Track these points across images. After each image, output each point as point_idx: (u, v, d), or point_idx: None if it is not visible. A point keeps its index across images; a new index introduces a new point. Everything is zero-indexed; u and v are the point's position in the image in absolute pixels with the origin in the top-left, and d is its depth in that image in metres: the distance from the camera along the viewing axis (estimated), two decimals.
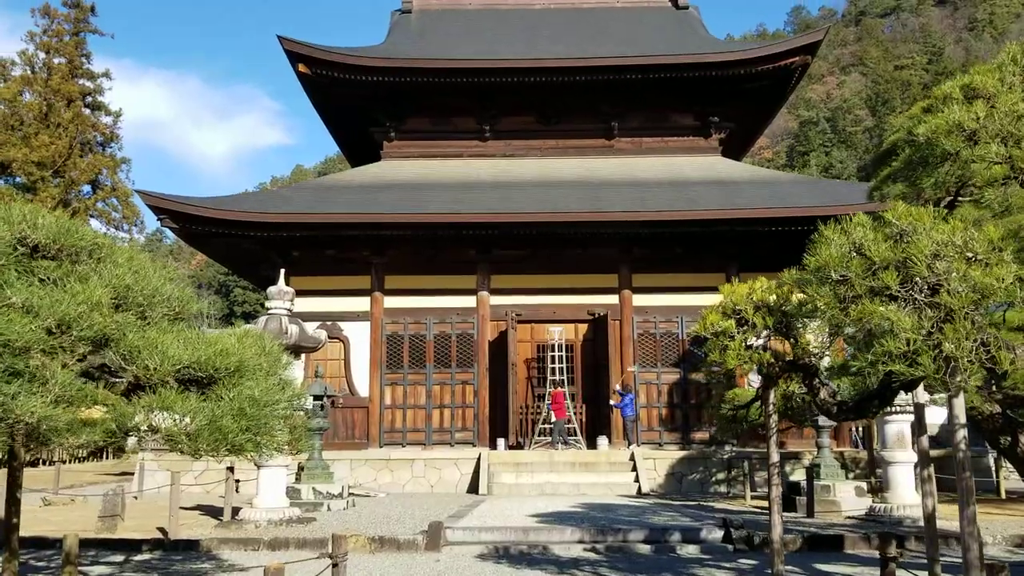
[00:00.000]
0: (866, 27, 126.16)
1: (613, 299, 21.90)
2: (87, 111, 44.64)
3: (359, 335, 21.92)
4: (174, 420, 5.00)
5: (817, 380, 6.07)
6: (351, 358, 21.80)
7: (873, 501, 12.63)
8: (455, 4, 28.95)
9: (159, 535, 10.22)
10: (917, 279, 5.13)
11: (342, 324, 21.97)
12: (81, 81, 44.19)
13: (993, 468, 17.39)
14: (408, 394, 21.70)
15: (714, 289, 21.51)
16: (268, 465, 10.87)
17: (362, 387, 21.69)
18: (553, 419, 20.49)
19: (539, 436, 20.89)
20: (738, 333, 6.07)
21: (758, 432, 19.28)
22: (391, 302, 22.06)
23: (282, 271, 11.71)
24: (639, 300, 21.91)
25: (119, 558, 9.06)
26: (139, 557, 9.23)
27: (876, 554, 9.56)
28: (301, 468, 14.15)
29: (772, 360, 6.05)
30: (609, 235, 21.09)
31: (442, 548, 9.77)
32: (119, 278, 5.51)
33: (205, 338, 5.63)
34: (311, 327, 21.89)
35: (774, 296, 6.06)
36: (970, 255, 4.98)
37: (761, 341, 6.13)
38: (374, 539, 9.78)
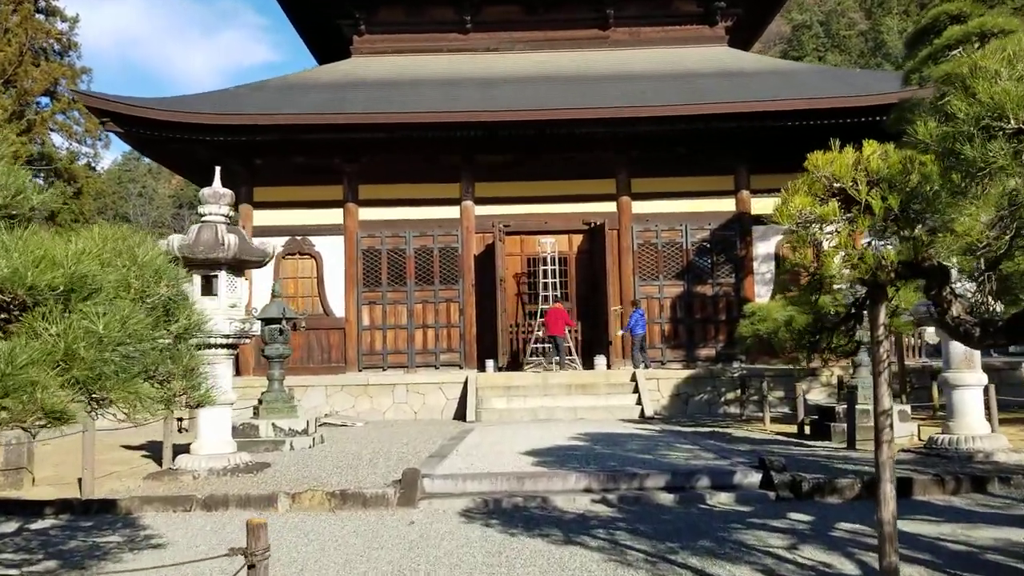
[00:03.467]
0: None
1: (611, 206, 19.86)
2: (40, 16, 41.54)
3: (333, 251, 19.90)
4: None
5: (948, 290, 4.17)
6: (324, 276, 19.85)
7: (919, 426, 10.99)
8: None
9: (77, 492, 8.43)
10: None
11: (313, 239, 19.94)
12: None
13: None
14: (388, 314, 19.83)
15: (721, 193, 19.63)
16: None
17: (337, 307, 19.80)
18: (545, 336, 18.73)
19: (531, 356, 19.16)
20: (843, 222, 4.08)
21: (771, 346, 17.63)
22: (367, 214, 19.97)
23: (217, 169, 9.65)
24: (639, 207, 19.88)
25: (11, 527, 7.26)
26: (38, 524, 7.43)
27: (953, 500, 7.90)
28: (260, 401, 12.34)
29: (888, 262, 4.09)
30: (607, 135, 18.91)
31: (419, 502, 8.00)
32: None
33: (22, 244, 3.62)
34: (278, 242, 20.02)
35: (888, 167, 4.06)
36: None
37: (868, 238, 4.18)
38: (334, 494, 7.98)
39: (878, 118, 16.29)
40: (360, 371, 19.44)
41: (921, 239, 4.18)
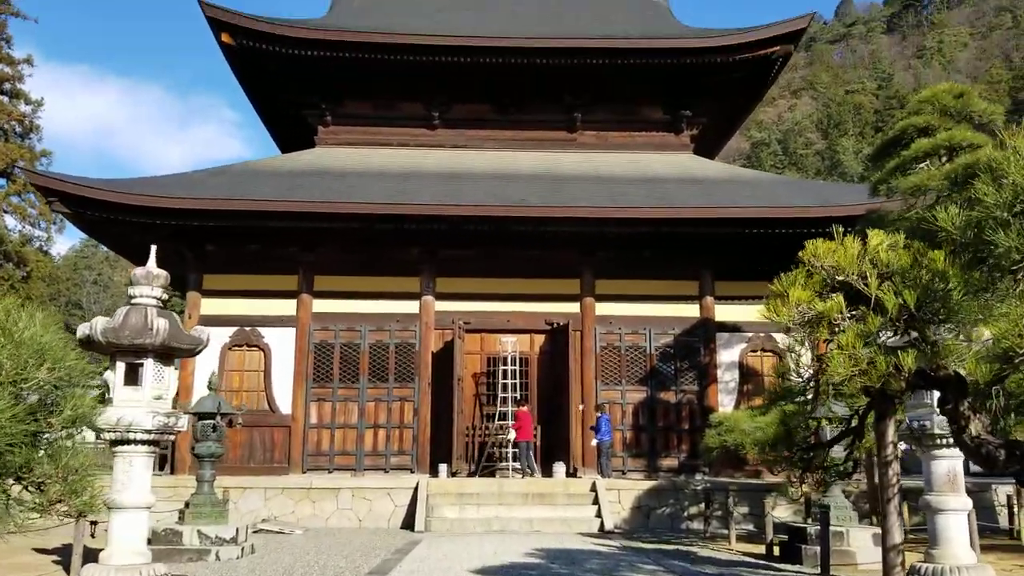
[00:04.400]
0: (816, 53, 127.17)
1: (574, 307, 19.39)
2: (3, 98, 41.23)
3: (283, 343, 19.02)
4: None
5: (966, 405, 3.59)
6: (272, 369, 18.90)
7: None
8: None
9: None
10: None
11: (263, 330, 19.08)
12: None
13: (1007, 505, 15.24)
14: (338, 412, 18.87)
15: (686, 298, 19.25)
16: (121, 507, 8.07)
17: (284, 403, 18.80)
18: (512, 439, 17.82)
19: (487, 461, 18.22)
20: (850, 321, 3.49)
21: (738, 456, 16.90)
22: (321, 306, 19.23)
23: (153, 248, 8.94)
24: (603, 309, 19.44)
25: None
26: None
27: None
28: (187, 504, 11.28)
29: (906, 370, 3.49)
30: (572, 235, 18.61)
31: None
32: None
33: None
34: (226, 333, 19.16)
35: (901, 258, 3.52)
36: None
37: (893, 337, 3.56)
38: None
39: (845, 229, 16.23)
40: (304, 473, 18.32)
41: (938, 344, 3.61)
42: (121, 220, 17.76)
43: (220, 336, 18.93)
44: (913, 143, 14.06)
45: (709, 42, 20.67)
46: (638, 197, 18.65)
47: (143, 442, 8.15)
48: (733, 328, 19.53)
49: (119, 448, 8.16)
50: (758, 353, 19.57)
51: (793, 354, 3.83)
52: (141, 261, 21.74)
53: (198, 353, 8.70)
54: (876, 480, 8.50)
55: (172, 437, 8.79)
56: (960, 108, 14.20)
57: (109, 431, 8.05)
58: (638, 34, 21.72)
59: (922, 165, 14.06)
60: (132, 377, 8.31)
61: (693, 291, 19.65)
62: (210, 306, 19.07)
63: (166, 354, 8.32)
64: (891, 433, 3.83)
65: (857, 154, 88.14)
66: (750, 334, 19.51)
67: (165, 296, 8.46)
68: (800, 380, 3.86)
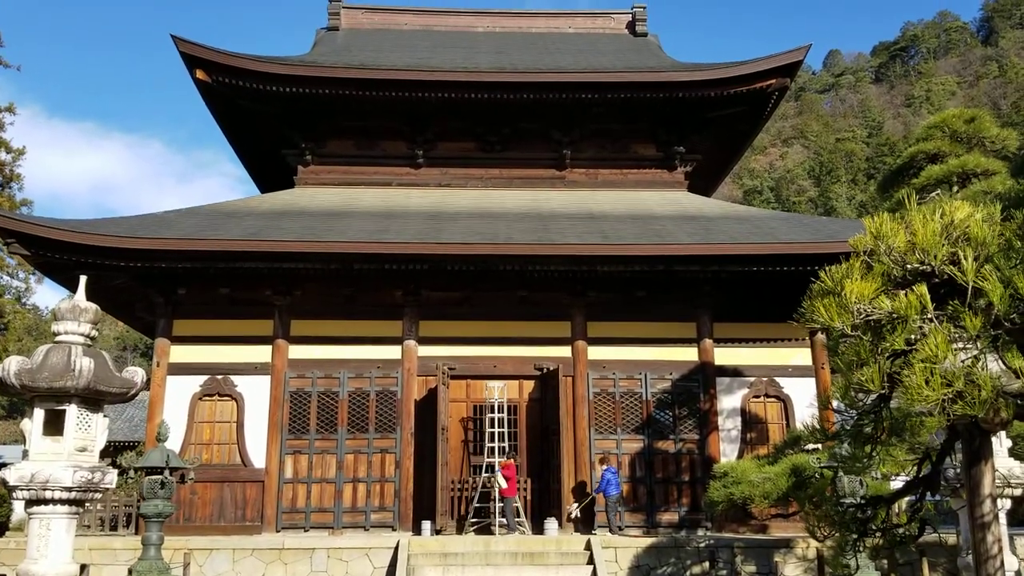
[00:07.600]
0: (806, 102, 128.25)
1: (565, 351, 18.33)
2: None
3: (256, 392, 17.89)
4: None
5: None
6: (245, 420, 17.73)
7: None
8: (388, 23, 25.78)
9: None
10: None
11: (236, 378, 17.96)
12: None
13: None
14: (315, 465, 17.66)
15: (683, 341, 18.09)
16: None
17: (257, 457, 17.60)
18: (505, 485, 16.57)
19: (473, 518, 16.98)
20: (940, 321, 2.46)
21: (743, 510, 15.75)
22: (297, 352, 18.15)
23: (83, 278, 7.90)
24: (595, 353, 18.37)
25: None
26: None
27: None
28: (130, 572, 10.08)
29: (1000, 392, 2.45)
30: (561, 274, 17.64)
31: None
32: None
33: None
34: (196, 381, 18.03)
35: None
36: None
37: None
38: None
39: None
40: (278, 531, 17.06)
41: None
42: (85, 263, 16.71)
43: (190, 385, 17.90)
44: (923, 170, 13.23)
45: (702, 75, 19.98)
46: (631, 234, 17.71)
47: (63, 501, 7.04)
48: (734, 372, 18.49)
49: (34, 509, 7.06)
50: (761, 399, 18.51)
51: (856, 371, 2.77)
52: (114, 309, 20.76)
53: (132, 397, 7.61)
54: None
55: (99, 495, 7.66)
56: (971, 133, 13.38)
57: (23, 488, 6.95)
58: (628, 69, 21.05)
59: (934, 194, 13.20)
60: (54, 426, 7.23)
61: (691, 333, 18.64)
62: (180, 353, 17.99)
63: (93, 399, 7.24)
64: (988, 483, 2.78)
65: (850, 200, 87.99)
66: (752, 378, 18.49)
67: (95, 333, 7.40)
68: (853, 411, 2.83)
